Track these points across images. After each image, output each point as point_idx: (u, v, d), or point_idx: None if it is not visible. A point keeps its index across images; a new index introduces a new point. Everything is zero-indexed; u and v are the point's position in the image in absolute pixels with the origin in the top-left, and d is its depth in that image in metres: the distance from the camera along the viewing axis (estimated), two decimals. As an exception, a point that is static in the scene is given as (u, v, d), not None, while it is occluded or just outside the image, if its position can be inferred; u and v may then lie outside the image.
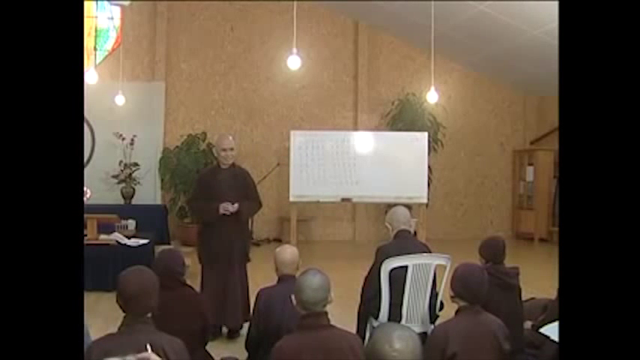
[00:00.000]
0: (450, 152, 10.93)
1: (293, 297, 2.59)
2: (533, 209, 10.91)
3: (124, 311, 2.44)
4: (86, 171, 8.00)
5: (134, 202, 9.59)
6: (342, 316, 3.42)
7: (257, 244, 9.61)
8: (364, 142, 9.26)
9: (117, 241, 6.68)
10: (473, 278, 2.88)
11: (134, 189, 9.60)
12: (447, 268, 3.90)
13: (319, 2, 10.50)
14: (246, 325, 3.91)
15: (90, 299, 5.54)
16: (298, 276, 2.67)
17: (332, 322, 2.59)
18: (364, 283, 4.07)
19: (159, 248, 7.08)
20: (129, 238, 6.84)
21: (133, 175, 9.61)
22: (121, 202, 9.49)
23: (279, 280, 3.41)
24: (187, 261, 3.45)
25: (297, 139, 9.09)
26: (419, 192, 9.00)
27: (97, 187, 9.00)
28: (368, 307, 3.99)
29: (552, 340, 3.23)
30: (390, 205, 7.35)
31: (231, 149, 4.90)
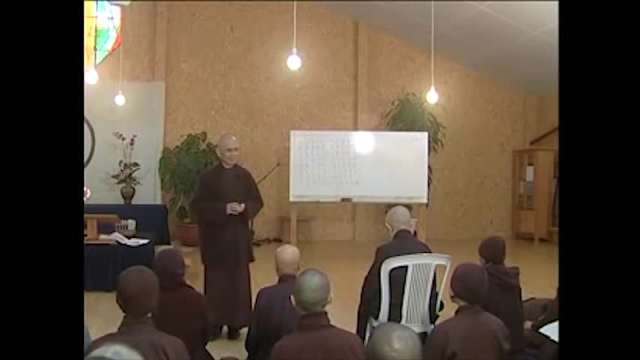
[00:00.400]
0: (450, 152, 10.93)
1: (293, 297, 2.59)
2: (533, 209, 10.91)
3: (124, 311, 2.45)
4: (86, 171, 8.00)
5: (134, 202, 9.59)
6: (342, 316, 3.42)
7: (257, 244, 9.60)
8: (364, 142, 9.26)
9: (117, 241, 6.68)
10: (473, 278, 2.88)
11: (134, 189, 9.60)
12: (447, 268, 3.90)
13: (319, 2, 10.50)
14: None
15: (90, 299, 5.54)
16: (297, 276, 2.67)
17: (332, 322, 2.59)
18: (364, 283, 4.07)
19: (159, 248, 7.08)
20: (129, 238, 6.84)
21: (133, 175, 9.61)
22: (121, 202, 9.49)
23: (280, 280, 3.41)
24: (187, 261, 3.44)
25: (297, 139, 9.09)
26: (419, 192, 9.00)
27: (97, 187, 9.00)
28: (368, 307, 3.99)
29: (552, 340, 3.23)
30: (390, 205, 7.34)
31: (236, 149, 4.94)
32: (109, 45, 10.32)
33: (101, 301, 5.79)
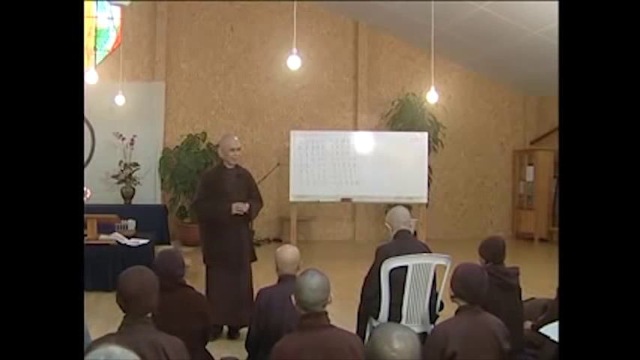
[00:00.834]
0: (450, 152, 10.93)
1: (293, 297, 2.59)
2: (533, 209, 10.91)
3: (124, 311, 2.45)
4: (86, 171, 8.00)
5: (134, 202, 9.59)
6: (342, 316, 3.42)
7: (257, 244, 9.59)
8: (364, 142, 9.26)
9: (117, 241, 6.68)
10: (473, 278, 2.88)
11: (134, 189, 9.60)
12: (447, 268, 3.90)
13: (319, 2, 10.50)
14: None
15: (90, 299, 5.54)
16: (297, 276, 2.68)
17: (332, 322, 2.59)
18: (364, 283, 4.07)
19: (159, 248, 7.09)
20: (129, 238, 6.84)
21: (133, 175, 9.61)
22: (121, 202, 9.48)
23: (280, 280, 3.41)
24: (187, 261, 3.44)
25: (297, 139, 9.10)
26: (419, 192, 9.00)
27: (97, 187, 9.00)
28: (368, 307, 3.99)
29: (552, 340, 3.23)
30: (390, 205, 7.36)
31: (239, 149, 4.97)
32: (109, 45, 10.32)
33: (101, 301, 5.79)
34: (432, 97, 7.68)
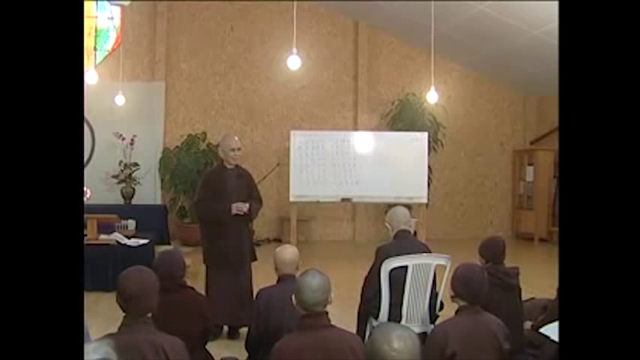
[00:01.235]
0: (450, 152, 10.93)
1: (293, 297, 2.59)
2: (533, 209, 10.91)
3: (124, 311, 2.45)
4: (86, 171, 8.01)
5: (134, 202, 9.59)
6: (342, 316, 3.42)
7: (257, 244, 9.59)
8: (364, 142, 9.26)
9: (117, 241, 6.68)
10: (473, 278, 2.88)
11: (134, 189, 9.60)
12: (447, 268, 3.90)
13: (319, 2, 10.49)
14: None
15: (90, 299, 5.55)
16: (298, 277, 2.67)
17: (332, 322, 2.59)
18: (364, 283, 4.06)
19: (159, 248, 7.09)
20: (129, 238, 6.84)
21: (133, 175, 9.61)
22: (121, 202, 9.48)
23: (279, 279, 3.41)
24: (187, 261, 3.44)
25: (297, 139, 9.10)
26: (419, 192, 9.00)
27: (97, 187, 9.00)
28: (368, 307, 3.99)
29: (552, 340, 3.23)
30: (390, 205, 7.35)
31: (239, 149, 4.98)
32: (109, 45, 10.32)
33: (101, 301, 5.79)
34: (432, 97, 7.68)
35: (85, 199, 6.64)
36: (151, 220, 8.57)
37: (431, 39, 7.91)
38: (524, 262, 4.91)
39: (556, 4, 2.32)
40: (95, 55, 10.20)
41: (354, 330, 3.86)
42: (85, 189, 6.69)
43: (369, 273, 4.03)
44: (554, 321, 3.28)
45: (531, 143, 11.43)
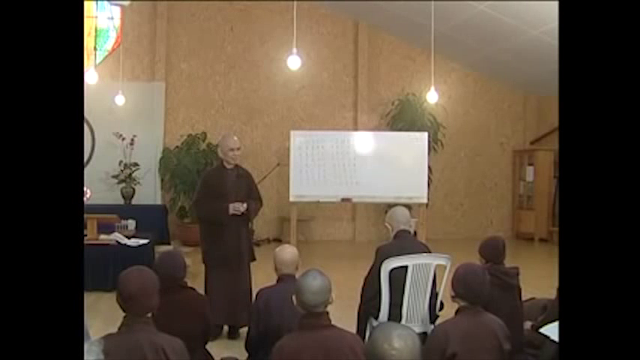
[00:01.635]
0: (450, 152, 10.94)
1: (294, 297, 2.59)
2: (533, 209, 10.91)
3: (124, 311, 2.45)
4: (86, 171, 8.00)
5: (134, 202, 9.58)
6: (342, 316, 3.42)
7: (257, 244, 9.60)
8: (364, 142, 9.26)
9: (117, 241, 6.68)
10: (474, 278, 2.88)
11: (134, 189, 9.60)
12: (447, 268, 3.90)
13: (319, 2, 10.49)
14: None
15: (90, 299, 5.54)
16: (299, 277, 2.67)
17: (332, 322, 2.58)
18: (364, 283, 4.06)
19: (159, 248, 7.10)
20: (129, 238, 6.84)
21: (133, 175, 9.61)
22: (121, 202, 9.48)
23: (279, 280, 3.40)
24: (187, 261, 3.44)
25: (297, 139, 9.09)
26: (419, 192, 8.99)
27: (97, 187, 9.00)
28: (368, 307, 3.99)
29: (552, 340, 3.23)
30: (390, 205, 7.35)
31: (238, 149, 4.98)
32: (109, 45, 10.32)
33: (101, 301, 5.79)
34: (432, 97, 7.68)
35: (85, 199, 6.64)
36: (151, 220, 8.57)
37: (431, 39, 7.90)
38: (524, 262, 4.91)
39: (556, 4, 2.32)
40: (95, 55, 10.20)
41: (354, 330, 3.86)
42: (85, 189, 6.69)
43: (369, 273, 4.03)
44: (554, 321, 3.28)
45: (531, 143, 11.43)
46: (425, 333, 3.73)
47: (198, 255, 5.20)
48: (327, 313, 2.57)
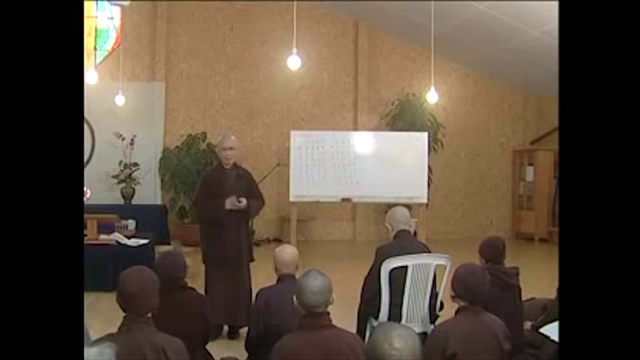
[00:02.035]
0: (450, 152, 10.93)
1: (295, 297, 2.59)
2: (533, 209, 10.91)
3: (124, 311, 2.45)
4: (86, 171, 7.99)
5: (134, 202, 9.59)
6: (342, 316, 3.42)
7: (257, 244, 9.60)
8: (364, 142, 9.26)
9: (117, 241, 6.68)
10: (474, 278, 2.88)
11: (134, 189, 9.60)
12: (447, 268, 3.90)
13: (319, 2, 10.49)
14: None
15: (90, 299, 5.54)
16: (300, 278, 2.67)
17: (332, 322, 2.58)
18: (364, 283, 4.06)
19: (159, 248, 7.10)
20: (129, 238, 6.84)
21: (133, 175, 9.61)
22: (121, 202, 9.48)
23: (279, 280, 3.40)
24: (187, 261, 3.44)
25: (297, 139, 9.09)
26: (419, 192, 8.99)
27: (97, 187, 9.00)
28: (368, 307, 3.99)
29: (552, 340, 3.23)
30: (390, 205, 7.35)
31: (231, 149, 4.95)
32: (109, 45, 10.32)
33: (101, 301, 5.79)
34: (432, 97, 7.68)
35: (85, 199, 6.64)
36: (151, 220, 8.57)
37: (431, 39, 7.90)
38: (524, 262, 4.91)
39: (556, 4, 2.32)
40: (95, 55, 10.19)
41: (354, 330, 3.86)
42: (85, 189, 6.69)
43: (369, 273, 4.03)
44: (554, 321, 3.28)
45: (531, 143, 11.42)
46: (425, 333, 3.73)
47: (198, 255, 5.20)
48: (328, 313, 2.57)
